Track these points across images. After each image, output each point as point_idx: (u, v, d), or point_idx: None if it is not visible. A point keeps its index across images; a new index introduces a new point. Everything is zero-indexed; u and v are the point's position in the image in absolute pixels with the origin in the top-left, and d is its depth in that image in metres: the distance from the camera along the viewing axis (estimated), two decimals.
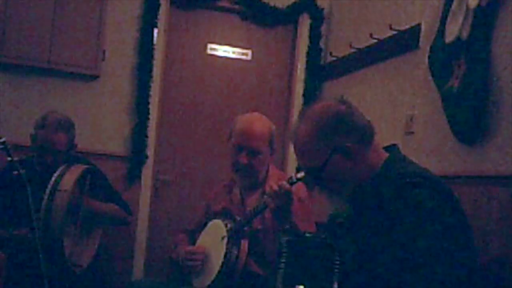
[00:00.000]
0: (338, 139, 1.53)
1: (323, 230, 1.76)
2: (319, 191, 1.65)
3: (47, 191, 2.29)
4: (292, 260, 1.51)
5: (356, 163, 1.54)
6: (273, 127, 2.39)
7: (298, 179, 1.97)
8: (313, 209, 2.37)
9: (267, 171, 2.40)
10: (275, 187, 1.96)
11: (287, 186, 1.96)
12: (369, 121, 1.59)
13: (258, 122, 2.35)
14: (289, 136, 1.63)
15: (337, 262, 1.47)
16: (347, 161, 1.54)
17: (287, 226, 2.01)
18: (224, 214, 2.35)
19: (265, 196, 2.03)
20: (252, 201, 2.35)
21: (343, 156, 1.54)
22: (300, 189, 2.26)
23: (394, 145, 1.67)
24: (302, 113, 1.64)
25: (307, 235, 1.76)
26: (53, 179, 2.33)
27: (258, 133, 2.31)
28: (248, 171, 2.31)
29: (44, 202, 2.27)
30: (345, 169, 1.55)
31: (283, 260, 1.50)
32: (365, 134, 1.56)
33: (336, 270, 1.46)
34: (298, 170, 3.37)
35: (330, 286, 1.44)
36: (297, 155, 1.63)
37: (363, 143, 1.55)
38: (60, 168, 2.40)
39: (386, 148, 1.64)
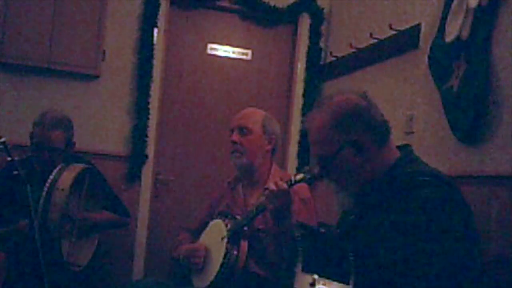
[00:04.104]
0: (352, 133, 1.53)
1: (336, 227, 1.75)
2: (326, 184, 1.65)
3: (45, 189, 2.29)
4: (307, 257, 1.50)
5: (367, 160, 1.54)
6: (268, 115, 2.46)
7: (297, 181, 1.97)
8: (316, 210, 2.38)
9: (269, 170, 2.41)
10: (273, 187, 1.97)
11: (285, 186, 1.96)
12: (386, 121, 1.59)
13: (251, 108, 2.50)
14: (304, 122, 1.64)
15: (352, 258, 1.46)
16: (357, 156, 1.54)
17: (300, 222, 2.01)
18: (225, 214, 2.35)
19: (262, 197, 2.04)
20: (254, 199, 2.36)
21: (354, 151, 1.54)
22: (302, 190, 2.27)
23: (407, 145, 1.67)
24: (321, 102, 1.64)
25: (321, 230, 1.76)
26: (51, 177, 2.33)
27: (248, 113, 2.44)
28: (239, 150, 2.35)
29: (41, 200, 2.27)
30: (354, 164, 1.54)
31: (299, 258, 1.50)
32: (380, 132, 1.56)
33: (352, 265, 1.45)
34: (298, 171, 3.38)
35: (347, 280, 1.44)
36: (310, 142, 1.63)
37: (376, 141, 1.54)
38: (58, 167, 2.40)
39: (399, 148, 1.64)
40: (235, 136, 2.37)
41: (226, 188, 2.51)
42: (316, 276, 1.40)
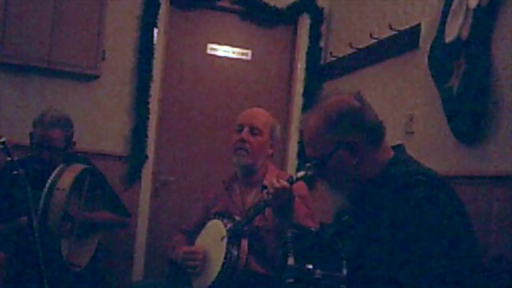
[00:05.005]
0: (346, 134, 1.53)
1: (329, 227, 1.76)
2: (322, 185, 1.65)
3: (45, 189, 2.29)
4: (299, 253, 1.50)
5: (361, 161, 1.54)
6: (277, 123, 2.45)
7: (298, 179, 1.98)
8: (315, 207, 2.38)
9: (266, 169, 2.41)
10: (277, 185, 1.97)
11: (287, 184, 1.96)
12: (381, 122, 1.59)
13: (262, 110, 2.47)
14: (300, 123, 1.65)
15: (343, 257, 1.47)
16: (352, 157, 1.54)
17: (294, 221, 2.02)
18: (224, 214, 2.35)
19: (265, 192, 2.03)
20: (251, 198, 2.36)
21: (348, 152, 1.54)
22: (301, 187, 2.28)
23: (400, 145, 1.67)
24: (317, 104, 1.65)
25: (312, 229, 1.75)
26: (51, 178, 2.33)
27: (261, 115, 2.41)
28: (246, 149, 2.33)
29: (41, 200, 2.27)
30: (349, 165, 1.55)
31: (290, 254, 1.50)
32: (374, 133, 1.56)
33: (343, 263, 1.46)
34: (298, 170, 3.38)
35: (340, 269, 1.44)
36: (304, 143, 1.64)
37: (371, 142, 1.55)
38: (59, 167, 2.40)
39: (393, 148, 1.64)
40: (245, 134, 2.34)
41: (221, 188, 2.51)
42: (310, 266, 1.40)
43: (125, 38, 3.46)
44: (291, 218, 2.03)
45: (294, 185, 2.04)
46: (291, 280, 1.42)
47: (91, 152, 3.25)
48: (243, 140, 2.33)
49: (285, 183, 1.97)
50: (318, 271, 1.39)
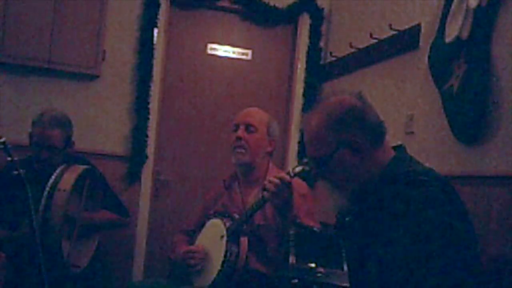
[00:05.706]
0: (347, 134, 1.53)
1: (332, 227, 1.76)
2: (321, 185, 1.65)
3: (46, 190, 2.29)
4: (300, 252, 1.51)
5: (363, 160, 1.54)
6: (274, 120, 2.47)
7: (296, 174, 1.98)
8: (315, 206, 2.38)
9: (267, 168, 2.42)
10: (275, 180, 1.97)
11: (287, 178, 1.97)
12: (382, 121, 1.59)
13: (257, 108, 2.50)
14: (301, 123, 1.66)
15: (344, 254, 1.47)
16: (353, 157, 1.54)
17: (298, 220, 2.02)
18: (222, 213, 2.35)
19: (264, 192, 2.03)
20: (252, 198, 2.36)
21: (350, 151, 1.54)
22: (301, 186, 2.29)
23: (401, 145, 1.67)
24: (318, 103, 1.65)
25: (315, 229, 1.76)
26: (52, 178, 2.33)
27: (254, 112, 2.44)
28: (243, 146, 2.34)
29: (42, 201, 2.27)
30: (350, 165, 1.55)
31: (291, 252, 1.51)
32: (375, 133, 1.56)
33: (344, 260, 1.46)
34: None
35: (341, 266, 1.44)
36: (305, 143, 1.64)
37: (372, 142, 1.55)
38: (60, 168, 2.40)
39: (393, 148, 1.65)
40: (241, 132, 2.36)
41: (221, 187, 2.51)
42: (313, 264, 1.41)
43: (125, 38, 3.46)
44: (290, 215, 2.03)
45: (295, 184, 2.04)
46: (296, 281, 1.42)
47: (91, 152, 3.25)
48: (239, 138, 2.35)
49: (285, 175, 1.98)
50: (320, 269, 1.40)
